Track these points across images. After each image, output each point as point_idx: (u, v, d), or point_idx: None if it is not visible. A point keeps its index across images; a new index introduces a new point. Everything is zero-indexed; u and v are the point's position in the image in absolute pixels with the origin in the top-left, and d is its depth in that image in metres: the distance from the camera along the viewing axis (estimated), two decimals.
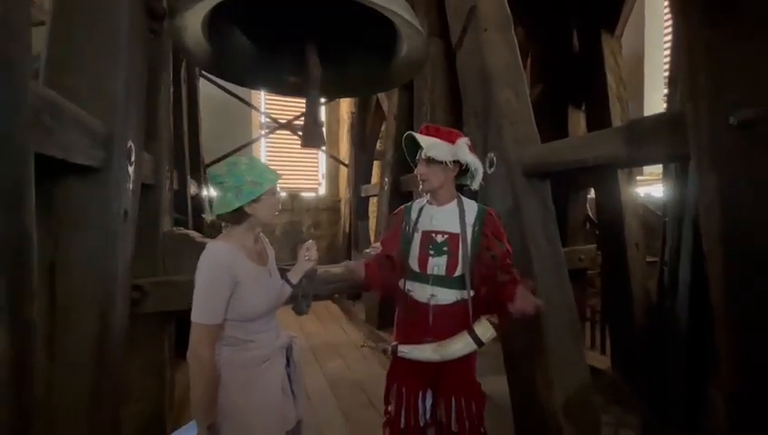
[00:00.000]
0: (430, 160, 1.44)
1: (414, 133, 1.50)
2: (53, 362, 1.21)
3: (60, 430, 1.22)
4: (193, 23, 1.71)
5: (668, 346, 1.63)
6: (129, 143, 1.54)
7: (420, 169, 1.47)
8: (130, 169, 1.55)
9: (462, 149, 1.43)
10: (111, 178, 1.38)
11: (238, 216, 1.15)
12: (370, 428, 2.32)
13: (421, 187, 1.51)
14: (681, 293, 1.60)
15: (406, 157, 1.60)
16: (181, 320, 2.59)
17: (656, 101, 4.61)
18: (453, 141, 1.45)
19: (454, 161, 1.44)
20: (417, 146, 1.47)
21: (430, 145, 1.44)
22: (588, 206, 3.66)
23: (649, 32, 5.02)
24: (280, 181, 1.22)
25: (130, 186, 1.55)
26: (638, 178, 3.52)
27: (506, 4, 2.22)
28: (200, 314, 1.09)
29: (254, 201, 1.13)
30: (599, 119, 2.92)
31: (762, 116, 0.95)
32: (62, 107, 1.04)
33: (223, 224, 1.23)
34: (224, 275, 1.09)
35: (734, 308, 1.04)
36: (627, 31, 3.24)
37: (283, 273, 1.43)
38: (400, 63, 2.10)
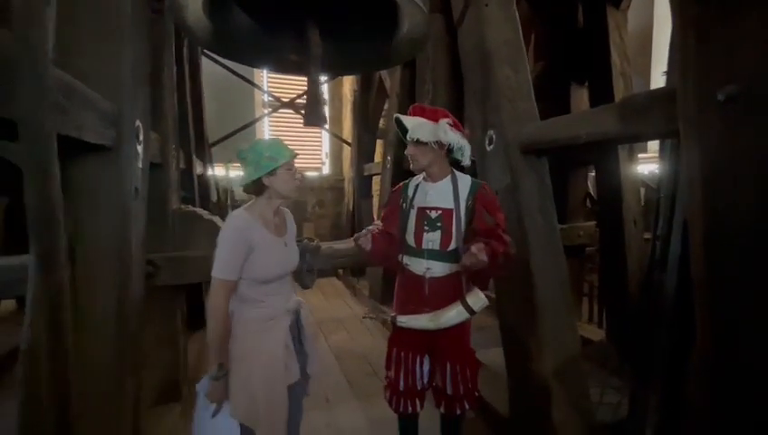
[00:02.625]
0: (416, 141, 1.49)
1: (400, 116, 1.55)
2: (77, 330, 1.31)
3: (91, 394, 1.33)
4: (194, 1, 1.73)
5: (655, 316, 1.69)
6: (138, 123, 1.59)
7: (409, 150, 1.54)
8: (139, 148, 1.61)
9: (443, 129, 1.46)
10: (122, 157, 1.44)
11: (258, 187, 1.32)
12: (374, 394, 2.44)
13: (411, 166, 1.57)
14: (670, 266, 1.65)
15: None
16: (191, 292, 2.71)
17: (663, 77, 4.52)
18: (436, 121, 1.48)
19: (437, 141, 1.48)
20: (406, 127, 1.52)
21: (414, 126, 1.49)
22: (589, 183, 3.67)
23: (659, 5, 4.89)
24: None
25: (140, 164, 1.62)
26: (641, 155, 3.51)
27: None
28: (218, 270, 1.27)
29: (271, 174, 1.29)
30: (602, 95, 2.89)
31: (746, 92, 0.98)
32: (75, 88, 1.09)
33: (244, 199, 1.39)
34: (239, 239, 1.26)
35: (712, 280, 1.08)
36: (636, 5, 3.16)
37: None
38: (402, 41, 2.10)
